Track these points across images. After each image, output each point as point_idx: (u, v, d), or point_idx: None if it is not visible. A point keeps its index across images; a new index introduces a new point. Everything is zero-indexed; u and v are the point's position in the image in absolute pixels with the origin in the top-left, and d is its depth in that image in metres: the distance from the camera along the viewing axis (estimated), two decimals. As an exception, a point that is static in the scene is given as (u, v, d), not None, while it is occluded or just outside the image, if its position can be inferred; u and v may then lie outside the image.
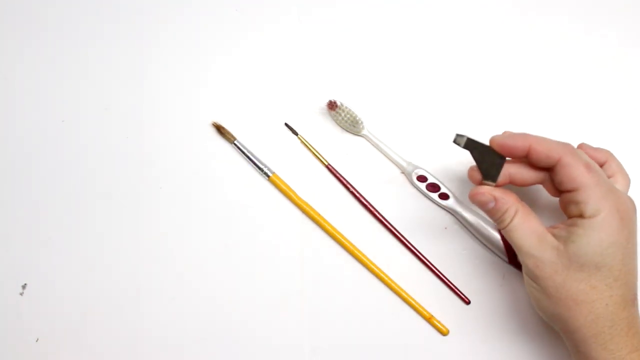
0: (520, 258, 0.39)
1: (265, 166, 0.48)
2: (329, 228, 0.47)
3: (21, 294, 0.46)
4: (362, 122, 0.49)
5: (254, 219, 0.48)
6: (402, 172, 0.49)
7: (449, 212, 0.48)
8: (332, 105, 0.49)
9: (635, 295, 0.37)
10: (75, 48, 0.52)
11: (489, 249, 0.47)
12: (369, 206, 0.48)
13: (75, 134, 0.50)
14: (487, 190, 0.40)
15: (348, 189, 0.48)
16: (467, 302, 0.47)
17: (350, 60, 0.52)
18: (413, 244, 0.47)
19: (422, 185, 0.48)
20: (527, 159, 0.39)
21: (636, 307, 0.38)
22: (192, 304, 0.47)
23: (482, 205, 0.40)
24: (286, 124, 0.50)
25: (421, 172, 0.48)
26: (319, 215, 0.47)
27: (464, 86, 0.51)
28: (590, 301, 0.36)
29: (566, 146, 0.38)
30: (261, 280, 0.47)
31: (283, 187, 0.48)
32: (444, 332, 0.46)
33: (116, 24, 0.53)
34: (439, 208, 0.48)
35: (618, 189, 0.38)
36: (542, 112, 0.51)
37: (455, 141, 0.40)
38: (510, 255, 0.46)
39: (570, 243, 0.36)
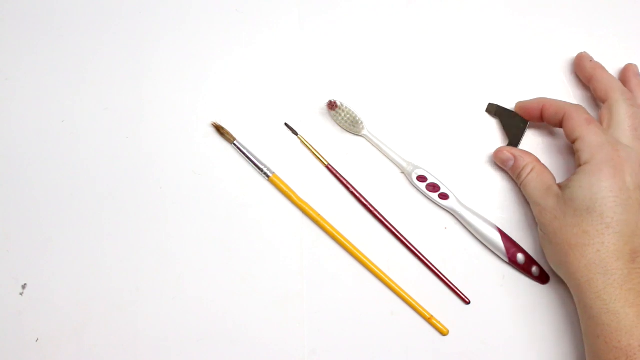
0: (532, 209, 0.43)
1: (265, 166, 0.48)
2: (329, 228, 0.47)
3: (21, 294, 0.46)
4: (362, 122, 0.49)
5: (254, 219, 0.48)
6: (402, 172, 0.49)
7: (449, 212, 0.48)
8: (332, 105, 0.49)
9: (635, 251, 0.38)
10: (75, 48, 0.52)
11: (489, 249, 0.47)
12: (369, 206, 0.48)
13: (75, 134, 0.50)
14: (508, 149, 0.45)
15: (348, 189, 0.48)
16: (467, 302, 0.47)
17: (350, 60, 0.52)
18: (413, 244, 0.47)
19: (422, 185, 0.48)
20: (543, 119, 0.45)
21: (637, 264, 0.38)
22: (191, 304, 0.47)
23: (503, 163, 0.46)
24: (286, 124, 0.50)
25: (421, 172, 0.48)
26: (319, 215, 0.47)
27: (464, 86, 0.51)
28: (582, 245, 0.38)
29: (573, 105, 0.43)
30: (261, 280, 0.47)
31: (283, 187, 0.48)
32: (444, 332, 0.46)
33: (116, 24, 0.53)
34: (439, 208, 0.48)
35: (621, 143, 0.40)
36: (542, 112, 0.51)
37: (487, 110, 0.49)
38: (510, 255, 0.46)
39: (566, 189, 0.40)
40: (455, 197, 0.48)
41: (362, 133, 0.49)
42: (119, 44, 0.52)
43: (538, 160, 0.44)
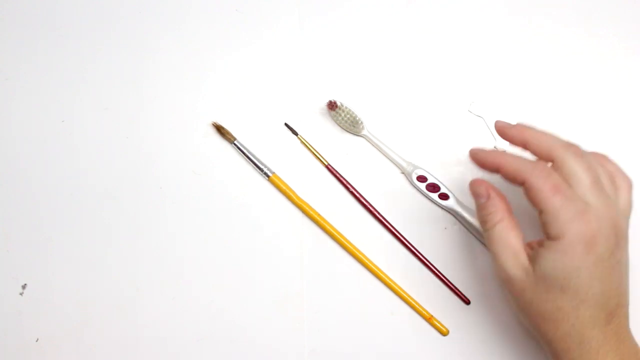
0: (494, 265, 0.39)
1: (265, 166, 0.48)
2: (329, 228, 0.47)
3: (21, 294, 0.46)
4: (362, 122, 0.49)
5: (254, 219, 0.48)
6: (402, 172, 0.49)
7: (449, 212, 0.48)
8: (332, 105, 0.49)
9: (610, 313, 0.36)
10: (75, 48, 0.52)
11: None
12: (368, 206, 0.48)
13: (75, 134, 0.50)
14: (486, 185, 0.40)
15: (348, 189, 0.48)
16: (467, 302, 0.47)
17: (350, 60, 0.52)
18: (413, 244, 0.47)
19: (422, 185, 0.48)
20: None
21: (613, 324, 0.36)
22: (191, 304, 0.47)
23: (476, 197, 0.40)
24: (286, 124, 0.50)
25: (421, 172, 0.48)
26: (319, 215, 0.47)
27: (464, 86, 0.51)
28: (556, 319, 0.36)
29: (535, 167, 0.37)
30: (261, 280, 0.47)
31: (283, 187, 0.48)
32: (444, 332, 0.46)
33: (116, 24, 0.53)
34: (439, 208, 0.48)
35: (590, 208, 0.36)
36: (543, 112, 0.51)
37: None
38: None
39: (536, 265, 0.36)
40: (455, 197, 0.48)
41: (362, 133, 0.49)
42: (119, 44, 0.52)
43: (509, 211, 0.39)
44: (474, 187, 0.40)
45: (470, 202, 0.48)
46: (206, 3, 0.53)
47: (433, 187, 0.48)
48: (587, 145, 0.50)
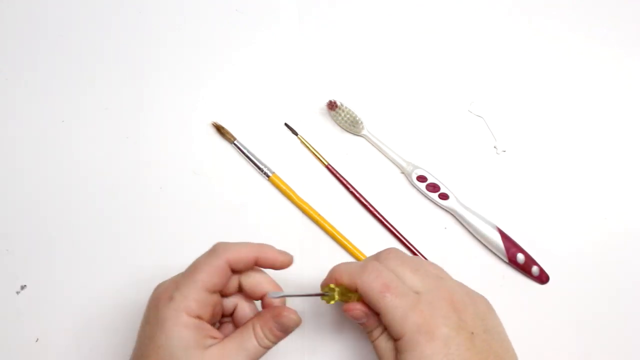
0: None
1: (265, 166, 0.48)
2: (329, 228, 0.47)
3: (18, 292, 0.46)
4: (362, 122, 0.49)
5: (254, 219, 0.48)
6: (402, 172, 0.49)
7: (449, 212, 0.48)
8: (332, 105, 0.49)
9: None
10: (75, 48, 0.52)
11: (489, 249, 0.47)
12: (369, 206, 0.48)
13: (75, 134, 0.50)
14: (361, 306, 0.38)
15: (348, 189, 0.48)
16: (467, 302, 0.46)
17: (350, 60, 0.52)
18: (413, 244, 0.47)
19: (422, 185, 0.48)
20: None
21: None
22: (192, 304, 0.47)
23: (355, 320, 0.39)
24: (286, 124, 0.50)
25: (421, 172, 0.48)
26: (319, 215, 0.47)
27: (464, 86, 0.51)
28: None
29: (365, 268, 0.37)
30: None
31: (283, 187, 0.48)
32: (444, 332, 0.46)
33: (116, 24, 0.53)
34: (439, 208, 0.48)
35: (425, 297, 0.36)
36: (542, 112, 0.51)
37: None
38: (510, 255, 0.46)
39: None
40: (455, 197, 0.48)
41: (362, 133, 0.49)
42: (119, 44, 0.52)
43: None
44: (350, 314, 0.39)
45: (470, 202, 0.48)
46: (206, 3, 0.53)
47: (433, 187, 0.48)
48: (587, 145, 0.50)
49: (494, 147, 0.50)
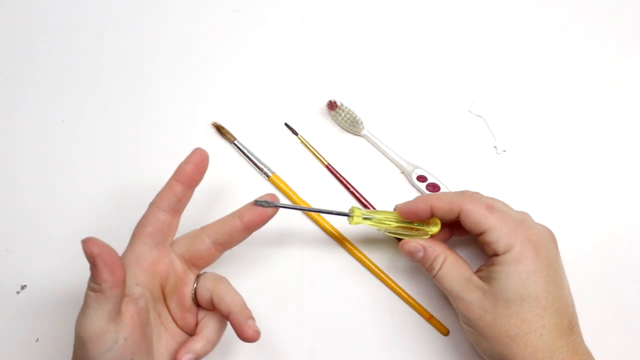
0: (453, 303, 0.40)
1: (265, 166, 0.48)
2: (329, 228, 0.47)
3: (18, 292, 0.46)
4: (362, 122, 0.49)
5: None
6: (402, 172, 0.49)
7: (449, 212, 0.48)
8: (332, 105, 0.49)
9: (571, 322, 0.37)
10: (75, 48, 0.52)
11: (489, 249, 0.47)
12: (369, 206, 0.48)
13: (75, 134, 0.50)
14: (415, 240, 0.40)
15: (348, 188, 0.48)
16: (467, 302, 0.46)
17: (350, 60, 0.52)
18: (413, 244, 0.47)
19: (422, 185, 0.48)
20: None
21: (575, 334, 0.37)
22: (192, 304, 0.47)
23: (411, 255, 0.41)
24: (286, 124, 0.50)
25: (421, 172, 0.48)
26: (319, 215, 0.47)
27: (464, 86, 0.51)
28: (524, 334, 0.36)
29: (464, 194, 0.39)
30: (261, 280, 0.47)
31: (283, 187, 0.48)
32: (444, 332, 0.46)
33: (117, 24, 0.53)
34: (439, 208, 0.48)
35: (527, 220, 0.39)
36: (542, 112, 0.51)
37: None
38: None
39: (493, 281, 0.37)
40: (455, 197, 0.48)
41: (362, 133, 0.49)
42: (119, 44, 0.52)
43: (450, 249, 0.40)
44: (406, 247, 0.41)
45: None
46: (206, 3, 0.53)
47: (433, 187, 0.48)
48: (587, 145, 0.50)
49: (494, 147, 0.50)
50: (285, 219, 0.48)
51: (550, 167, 0.49)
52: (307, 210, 0.40)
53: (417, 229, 0.41)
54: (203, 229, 0.40)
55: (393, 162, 0.49)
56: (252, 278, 0.47)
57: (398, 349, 0.46)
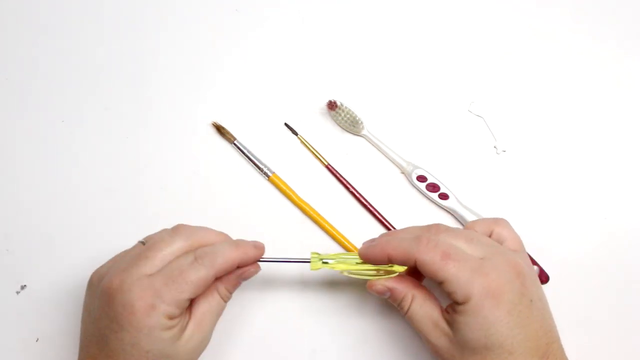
0: (423, 342, 0.40)
1: (265, 166, 0.48)
2: (329, 228, 0.47)
3: (18, 292, 0.46)
4: (362, 122, 0.49)
5: (254, 219, 0.48)
6: (402, 172, 0.49)
7: (449, 212, 0.48)
8: (332, 105, 0.49)
9: (544, 353, 0.36)
10: (75, 48, 0.52)
11: (489, 249, 0.47)
12: (369, 206, 0.48)
13: (75, 134, 0.50)
14: (382, 282, 0.39)
15: (348, 189, 0.48)
16: (467, 302, 0.46)
17: (350, 60, 0.52)
18: (413, 244, 0.47)
19: (422, 185, 0.48)
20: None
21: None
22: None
23: (379, 295, 0.40)
24: (286, 124, 0.50)
25: (421, 172, 0.48)
26: (319, 215, 0.47)
27: (464, 86, 0.51)
28: None
29: (420, 241, 0.37)
30: (261, 280, 0.47)
31: (283, 187, 0.48)
32: (444, 332, 0.46)
33: (117, 24, 0.53)
34: (439, 208, 0.48)
35: (486, 261, 0.36)
36: (542, 112, 0.51)
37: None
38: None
39: (457, 331, 0.36)
40: (455, 197, 0.48)
41: (362, 133, 0.49)
42: (119, 44, 0.52)
43: (419, 286, 0.39)
44: (373, 289, 0.40)
45: (470, 202, 0.48)
46: (206, 3, 0.53)
47: (433, 187, 0.48)
48: (587, 145, 0.50)
49: (494, 147, 0.50)
50: (285, 220, 0.48)
51: (550, 167, 0.49)
52: (265, 261, 0.40)
53: (383, 269, 0.40)
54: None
55: (393, 162, 0.49)
56: (252, 278, 0.47)
57: (398, 349, 0.46)
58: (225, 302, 0.40)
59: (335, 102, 0.48)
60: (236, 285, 0.40)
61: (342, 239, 0.47)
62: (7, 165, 0.49)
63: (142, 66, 0.51)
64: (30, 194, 0.48)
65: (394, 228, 0.47)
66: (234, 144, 0.49)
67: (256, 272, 0.40)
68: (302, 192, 0.48)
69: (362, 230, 0.48)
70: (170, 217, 0.48)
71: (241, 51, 0.52)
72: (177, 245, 0.38)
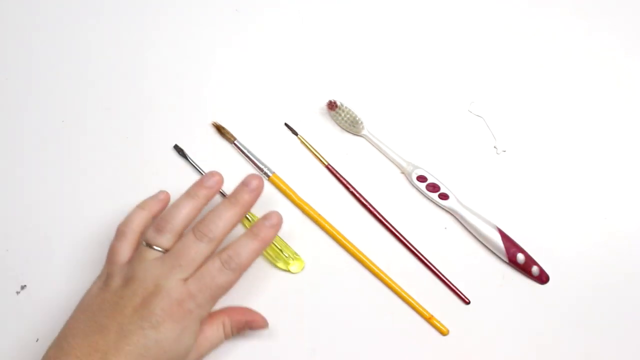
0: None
1: (265, 166, 0.48)
2: (329, 228, 0.47)
3: (18, 292, 0.46)
4: (362, 122, 0.49)
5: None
6: (402, 172, 0.49)
7: (449, 212, 0.48)
8: (332, 105, 0.49)
9: None
10: (76, 48, 0.52)
11: (489, 249, 0.47)
12: (369, 206, 0.48)
13: (75, 134, 0.50)
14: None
15: (348, 189, 0.48)
16: (467, 302, 0.47)
17: (350, 60, 0.52)
18: (413, 244, 0.47)
19: (422, 185, 0.48)
20: None
21: None
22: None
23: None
24: (286, 124, 0.50)
25: (421, 172, 0.48)
26: (319, 215, 0.47)
27: (464, 86, 0.51)
28: None
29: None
30: (261, 279, 0.47)
31: (283, 187, 0.48)
32: (444, 332, 0.46)
33: (116, 23, 0.53)
34: (439, 208, 0.48)
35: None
36: (542, 112, 0.51)
37: None
38: (510, 255, 0.46)
39: None
40: (455, 197, 0.48)
41: (362, 133, 0.49)
42: (120, 44, 0.52)
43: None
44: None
45: (470, 202, 0.48)
46: (206, 3, 0.53)
47: (433, 187, 0.48)
48: (587, 145, 0.50)
49: (494, 147, 0.50)
50: (285, 220, 0.48)
51: (550, 167, 0.49)
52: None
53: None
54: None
55: (393, 162, 0.49)
56: (252, 277, 0.47)
57: (398, 349, 0.46)
58: (225, 339, 0.42)
59: (335, 102, 0.48)
60: (241, 329, 0.43)
61: (342, 239, 0.47)
62: (7, 165, 0.49)
63: (143, 66, 0.51)
64: (30, 194, 0.48)
65: (395, 228, 0.47)
66: (234, 144, 0.49)
67: (263, 328, 0.44)
68: (302, 192, 0.48)
69: (362, 230, 0.48)
70: (170, 217, 0.48)
71: (241, 51, 0.52)
72: (204, 250, 0.40)
